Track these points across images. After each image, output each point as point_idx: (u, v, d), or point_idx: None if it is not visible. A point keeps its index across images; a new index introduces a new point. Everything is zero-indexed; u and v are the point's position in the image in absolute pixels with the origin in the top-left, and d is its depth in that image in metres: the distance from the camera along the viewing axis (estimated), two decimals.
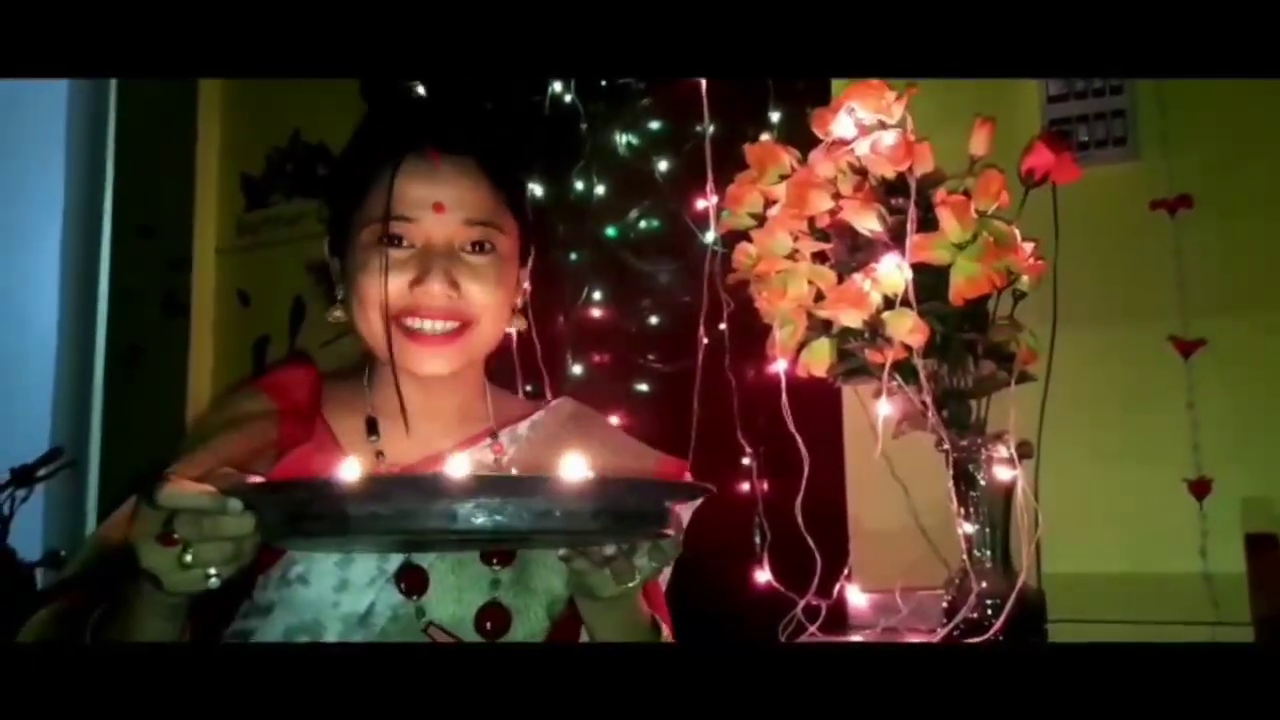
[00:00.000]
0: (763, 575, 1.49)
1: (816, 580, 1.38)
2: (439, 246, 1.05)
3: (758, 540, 1.52)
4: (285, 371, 1.14)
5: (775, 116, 1.93)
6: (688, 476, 1.15)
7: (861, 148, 1.32)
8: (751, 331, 1.47)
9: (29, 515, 2.39)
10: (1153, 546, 1.69)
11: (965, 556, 1.34)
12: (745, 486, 1.67)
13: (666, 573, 1.08)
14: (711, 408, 1.61)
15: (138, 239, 2.93)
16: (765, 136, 1.78)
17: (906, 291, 1.27)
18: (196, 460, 0.93)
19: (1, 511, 2.30)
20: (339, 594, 1.02)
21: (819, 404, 1.52)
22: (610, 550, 0.90)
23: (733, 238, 1.45)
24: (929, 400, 1.30)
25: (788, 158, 1.41)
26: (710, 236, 1.60)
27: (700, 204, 1.67)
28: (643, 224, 2.29)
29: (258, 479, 0.85)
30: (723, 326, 1.59)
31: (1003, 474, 1.34)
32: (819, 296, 1.36)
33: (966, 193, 1.31)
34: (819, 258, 1.37)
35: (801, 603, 1.39)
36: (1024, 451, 1.34)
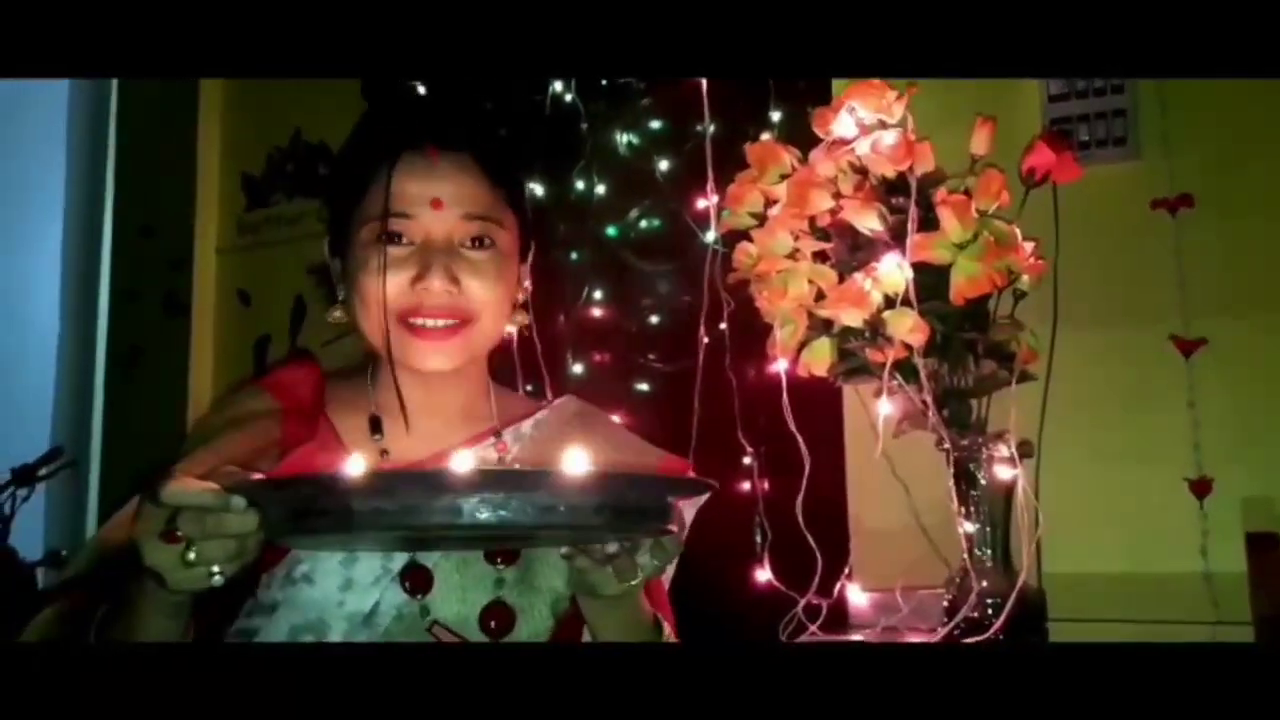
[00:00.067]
0: (763, 574, 1.49)
1: (817, 579, 1.38)
2: (439, 243, 1.05)
3: (758, 539, 1.52)
4: (288, 370, 1.13)
5: (776, 116, 1.93)
6: (691, 475, 1.15)
7: (862, 147, 1.32)
8: (752, 331, 1.47)
9: (30, 515, 2.40)
10: (1153, 546, 1.69)
11: (966, 556, 1.34)
12: (746, 486, 1.67)
13: (670, 571, 1.08)
14: (712, 407, 1.62)
15: (138, 239, 2.94)
16: (766, 136, 1.77)
17: (907, 291, 1.27)
18: (200, 459, 0.94)
19: (2, 511, 2.31)
20: (344, 593, 1.02)
21: (819, 403, 1.52)
22: (613, 548, 0.90)
23: (733, 237, 1.45)
24: (929, 399, 1.30)
25: (788, 157, 1.42)
26: (711, 236, 1.60)
27: (701, 203, 1.67)
28: (643, 223, 2.30)
29: (261, 477, 0.85)
30: (723, 326, 1.59)
31: (1003, 473, 1.34)
32: (820, 296, 1.36)
33: (967, 192, 1.31)
34: (820, 257, 1.37)
35: (802, 602, 1.39)
36: (1024, 451, 1.34)
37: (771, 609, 1.42)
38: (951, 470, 1.35)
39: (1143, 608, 1.62)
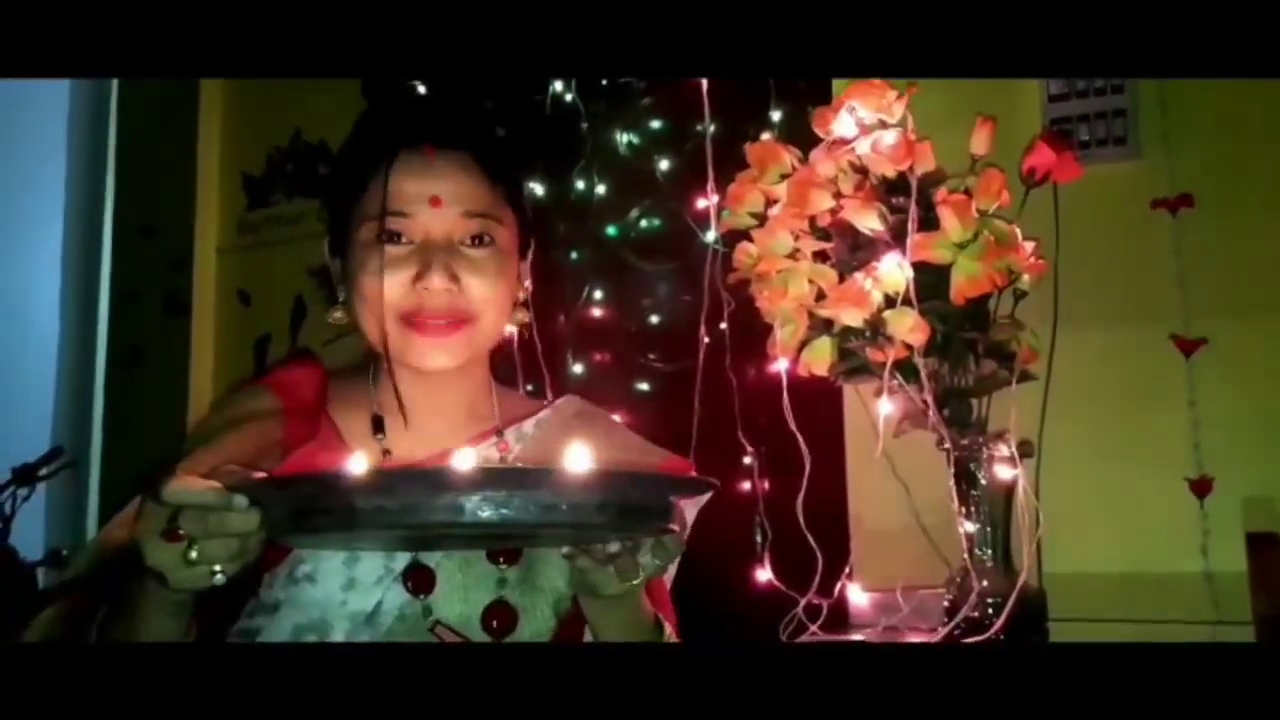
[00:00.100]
0: (764, 574, 1.49)
1: (817, 579, 1.38)
2: (438, 241, 1.05)
3: (759, 539, 1.52)
4: (290, 369, 1.13)
5: (776, 116, 1.93)
6: (694, 475, 1.15)
7: (862, 147, 1.32)
8: (752, 331, 1.47)
9: (30, 515, 2.40)
10: (1153, 546, 1.69)
11: (966, 555, 1.35)
12: (746, 485, 1.67)
13: (672, 570, 1.08)
14: (712, 407, 1.62)
15: (138, 239, 2.94)
16: (766, 136, 1.78)
17: (907, 290, 1.27)
18: (201, 459, 0.93)
19: (3, 511, 2.30)
20: (346, 593, 1.02)
21: (820, 403, 1.52)
22: (614, 547, 0.90)
23: (733, 237, 1.45)
24: (930, 399, 1.30)
25: (789, 157, 1.42)
26: (711, 236, 1.60)
27: (701, 203, 1.67)
28: (644, 223, 2.30)
29: (263, 475, 0.85)
30: (723, 326, 1.59)
31: (1004, 473, 1.34)
32: (820, 295, 1.36)
33: (967, 192, 1.31)
34: (820, 257, 1.37)
35: (803, 602, 1.39)
36: (1025, 450, 1.34)
37: (772, 609, 1.42)
38: (952, 470, 1.35)
39: (1143, 608, 1.62)
